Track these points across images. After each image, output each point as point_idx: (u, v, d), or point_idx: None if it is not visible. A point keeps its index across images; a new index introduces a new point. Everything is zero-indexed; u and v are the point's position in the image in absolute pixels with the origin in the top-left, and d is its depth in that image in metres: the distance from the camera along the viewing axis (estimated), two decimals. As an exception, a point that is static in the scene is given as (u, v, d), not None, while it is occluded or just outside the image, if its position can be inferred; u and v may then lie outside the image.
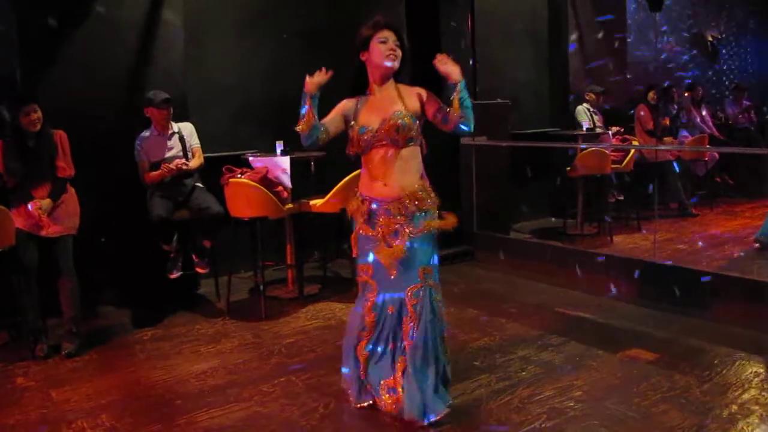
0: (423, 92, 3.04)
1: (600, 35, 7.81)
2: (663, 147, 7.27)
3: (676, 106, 7.79)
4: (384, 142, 2.96)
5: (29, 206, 4.03)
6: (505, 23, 7.15)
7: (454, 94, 2.89)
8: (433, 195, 3.05)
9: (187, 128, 4.92)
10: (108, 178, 4.73)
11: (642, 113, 7.47)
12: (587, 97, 7.11)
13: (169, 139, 4.81)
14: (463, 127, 2.91)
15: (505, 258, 5.74)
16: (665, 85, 7.90)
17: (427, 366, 2.97)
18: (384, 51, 2.94)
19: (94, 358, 4.04)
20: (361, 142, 2.99)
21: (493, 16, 6.79)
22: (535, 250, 5.73)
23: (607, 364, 3.63)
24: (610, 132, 7.05)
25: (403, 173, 2.98)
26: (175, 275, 4.78)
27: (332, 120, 3.05)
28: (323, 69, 3.01)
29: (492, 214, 6.19)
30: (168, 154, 4.76)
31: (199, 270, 4.87)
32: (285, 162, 4.85)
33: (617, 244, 6.30)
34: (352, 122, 3.04)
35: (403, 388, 3.01)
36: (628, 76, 8.19)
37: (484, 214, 6.13)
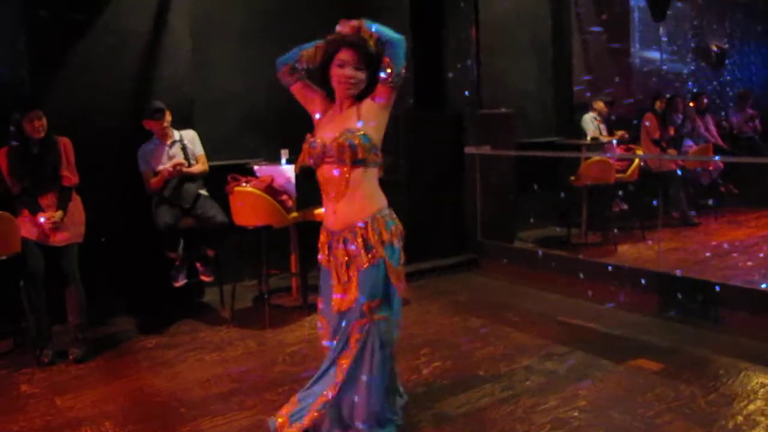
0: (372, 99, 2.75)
1: (604, 44, 7.83)
2: (667, 156, 7.27)
3: (680, 116, 7.78)
4: (332, 160, 2.71)
5: (40, 219, 4.04)
6: (509, 32, 7.15)
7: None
8: (391, 223, 2.76)
9: (188, 135, 4.92)
10: (114, 186, 4.75)
11: (648, 123, 7.47)
12: (595, 106, 7.11)
13: (171, 147, 4.82)
14: (390, 47, 2.66)
15: (510, 267, 5.74)
16: (669, 95, 7.92)
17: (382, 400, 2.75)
18: (339, 78, 2.72)
19: (98, 365, 4.05)
20: (310, 155, 2.77)
21: (497, 25, 6.79)
22: (540, 259, 5.72)
23: (611, 374, 3.62)
24: (614, 141, 7.05)
25: (352, 199, 2.71)
26: (180, 283, 4.80)
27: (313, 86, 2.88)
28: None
29: (496, 223, 6.19)
30: (170, 164, 4.76)
31: (203, 278, 4.89)
32: (290, 171, 4.86)
33: (621, 253, 6.29)
34: (308, 135, 2.83)
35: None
36: (632, 86, 8.20)
37: (489, 222, 6.14)
